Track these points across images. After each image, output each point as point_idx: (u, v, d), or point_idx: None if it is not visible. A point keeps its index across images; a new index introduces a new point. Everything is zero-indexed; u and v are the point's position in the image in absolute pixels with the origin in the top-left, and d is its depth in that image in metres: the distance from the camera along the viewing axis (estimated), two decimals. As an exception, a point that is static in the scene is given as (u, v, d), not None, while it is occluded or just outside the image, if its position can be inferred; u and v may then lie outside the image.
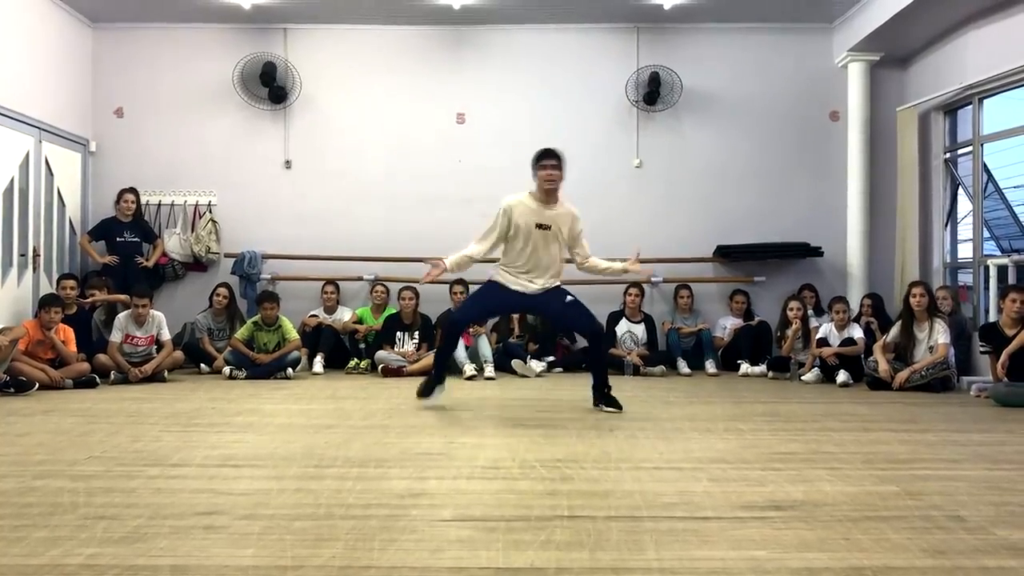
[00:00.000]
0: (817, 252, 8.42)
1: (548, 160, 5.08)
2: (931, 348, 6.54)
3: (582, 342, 8.21)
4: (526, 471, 3.49)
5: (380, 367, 7.42)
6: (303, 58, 8.60)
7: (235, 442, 4.16)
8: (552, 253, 5.21)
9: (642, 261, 8.27)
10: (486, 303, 5.52)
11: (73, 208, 8.36)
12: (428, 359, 7.46)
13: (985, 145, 7.59)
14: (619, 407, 5.24)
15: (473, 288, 7.95)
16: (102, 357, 6.85)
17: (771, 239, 8.48)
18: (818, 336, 7.18)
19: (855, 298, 7.98)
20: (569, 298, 5.31)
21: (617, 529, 2.65)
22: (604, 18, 8.55)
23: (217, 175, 8.66)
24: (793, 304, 7.52)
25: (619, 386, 6.71)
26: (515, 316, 8.22)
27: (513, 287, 5.22)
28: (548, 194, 5.14)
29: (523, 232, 5.13)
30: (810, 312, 7.71)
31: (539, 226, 5.12)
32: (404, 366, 7.39)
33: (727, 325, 8.18)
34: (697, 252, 8.57)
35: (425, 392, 5.34)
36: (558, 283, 5.32)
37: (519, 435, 4.37)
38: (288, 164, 8.69)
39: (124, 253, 7.99)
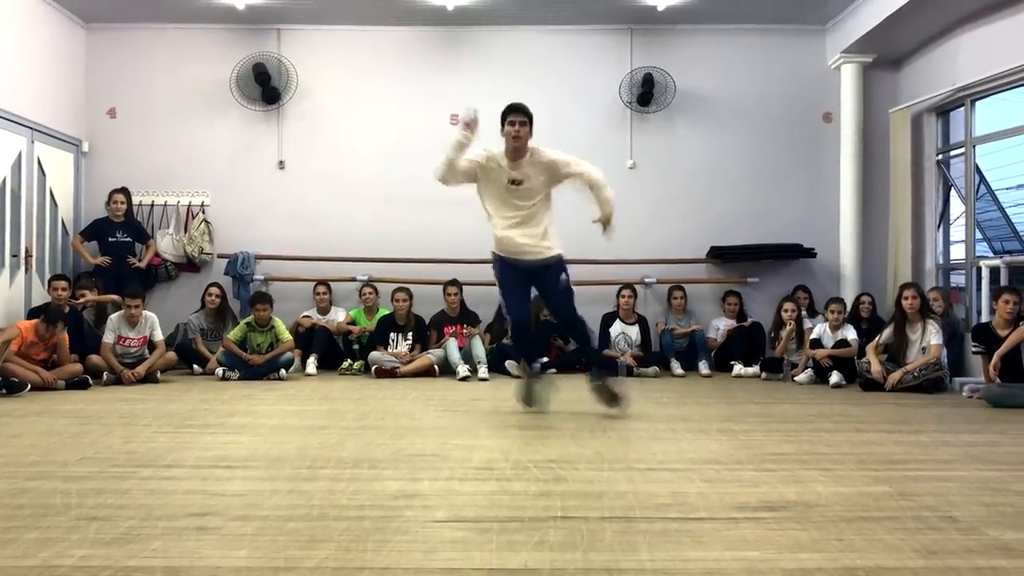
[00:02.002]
0: (810, 253, 8.44)
1: (515, 116, 4.96)
2: (924, 349, 6.56)
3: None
4: (519, 472, 3.49)
5: (373, 368, 7.41)
6: (297, 59, 8.59)
7: (228, 443, 4.15)
8: (533, 211, 5.00)
9: (636, 262, 8.43)
10: (507, 285, 5.19)
11: (66, 209, 8.33)
12: (421, 360, 7.47)
13: (977, 147, 7.62)
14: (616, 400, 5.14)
15: (467, 289, 7.98)
16: (94, 358, 6.83)
17: (764, 240, 8.50)
18: (812, 337, 7.20)
19: (848, 299, 7.99)
20: (563, 277, 5.10)
21: (611, 530, 2.65)
22: (598, 19, 8.55)
23: (210, 175, 8.64)
24: (788, 305, 7.54)
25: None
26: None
27: (504, 255, 5.08)
28: (517, 152, 5.00)
29: (495, 188, 5.00)
30: (803, 313, 7.72)
31: (512, 182, 4.97)
32: (397, 367, 7.38)
33: (720, 326, 8.19)
34: (690, 253, 8.59)
35: (527, 400, 5.16)
36: (557, 252, 5.08)
37: (512, 436, 4.37)
38: (282, 165, 8.68)
39: (116, 253, 7.96)
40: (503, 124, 5.02)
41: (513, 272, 5.10)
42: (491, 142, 8.59)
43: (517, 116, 4.96)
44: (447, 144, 5.05)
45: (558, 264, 5.09)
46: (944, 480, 3.39)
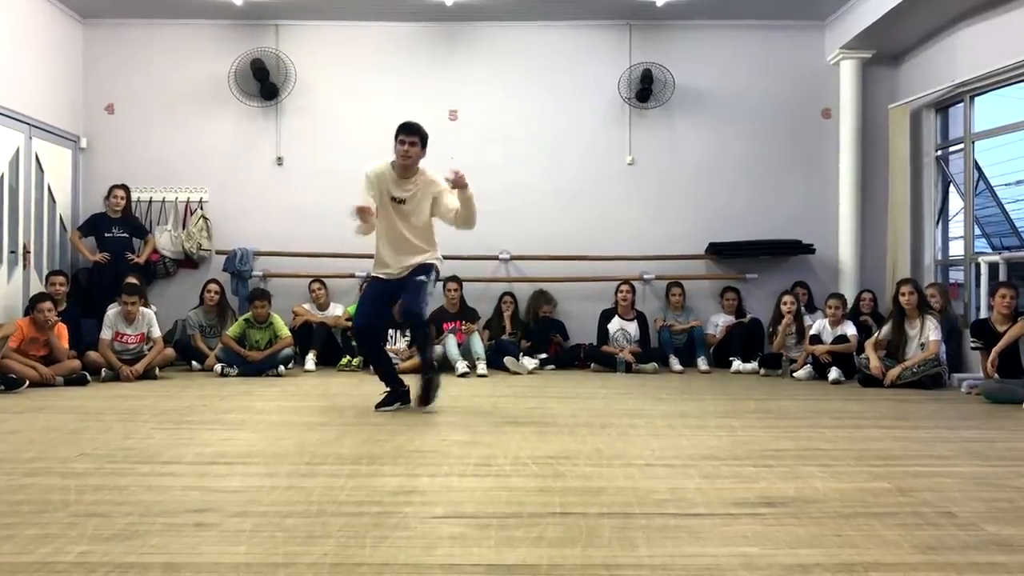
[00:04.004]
0: (809, 249, 8.44)
1: (406, 136, 5.00)
2: (922, 345, 6.56)
3: (575, 339, 8.27)
4: (518, 468, 3.49)
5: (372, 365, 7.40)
6: (295, 55, 8.57)
7: (227, 439, 4.15)
8: (413, 230, 5.06)
9: (634, 258, 8.44)
10: (369, 298, 5.24)
11: (64, 205, 8.32)
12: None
13: (976, 142, 7.61)
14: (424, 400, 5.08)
15: (467, 285, 7.98)
16: (93, 354, 6.83)
17: (763, 236, 8.50)
18: (812, 332, 7.20)
19: (847, 295, 7.98)
20: (420, 277, 5.05)
21: (609, 526, 2.65)
22: (597, 15, 8.54)
23: (209, 172, 8.62)
24: (786, 298, 7.54)
25: (612, 383, 6.74)
26: (507, 314, 8.23)
27: (377, 274, 5.13)
28: (405, 169, 5.04)
29: (380, 204, 5.00)
30: (802, 310, 7.72)
31: (394, 199, 5.01)
32: (396, 364, 7.35)
33: (719, 323, 8.19)
34: (689, 249, 8.58)
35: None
36: (421, 260, 5.09)
37: (511, 432, 4.37)
38: (280, 161, 8.66)
39: (113, 249, 7.95)
40: (395, 143, 5.04)
41: (377, 288, 5.16)
42: (483, 141, 8.64)
43: (409, 136, 5.01)
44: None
45: (419, 267, 5.09)
46: (943, 476, 3.39)
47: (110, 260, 7.87)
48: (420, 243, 5.09)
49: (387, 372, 5.30)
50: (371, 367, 5.53)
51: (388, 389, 5.22)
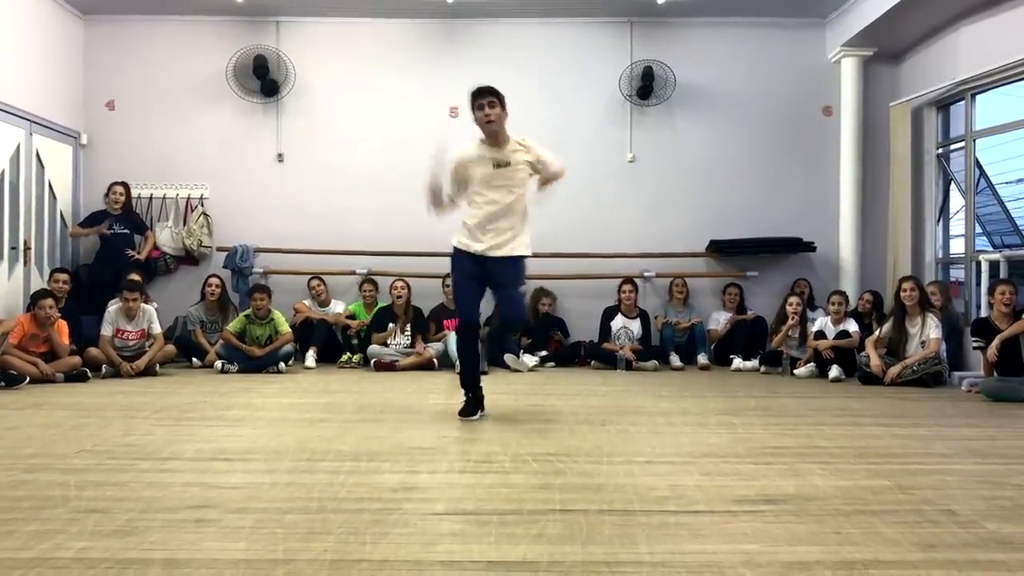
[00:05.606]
0: (810, 247, 8.43)
1: (481, 98, 4.50)
2: (923, 343, 6.56)
3: (575, 336, 8.27)
4: (518, 465, 3.49)
5: (372, 361, 7.40)
6: (295, 51, 8.57)
7: (227, 436, 4.15)
8: (506, 202, 4.57)
9: (635, 256, 8.43)
10: (462, 281, 4.80)
11: (64, 201, 8.32)
12: (423, 354, 7.45)
13: (977, 141, 7.60)
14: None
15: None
16: (93, 351, 6.82)
17: (764, 234, 8.50)
18: (814, 329, 7.20)
19: (848, 293, 7.98)
20: (520, 289, 4.77)
21: (609, 523, 2.65)
22: (598, 12, 8.54)
23: (209, 168, 8.62)
24: (792, 299, 7.54)
25: (612, 380, 6.74)
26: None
27: (463, 247, 4.66)
28: (494, 136, 4.58)
29: (480, 177, 4.57)
30: (806, 311, 7.69)
31: (498, 165, 4.56)
32: (396, 360, 7.37)
33: (720, 319, 8.19)
34: (690, 247, 8.58)
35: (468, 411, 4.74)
36: (518, 252, 4.68)
37: (511, 429, 4.37)
38: (280, 158, 8.66)
39: (114, 245, 7.95)
40: (473, 112, 4.57)
41: (464, 264, 4.71)
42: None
43: (482, 97, 4.50)
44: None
45: (513, 262, 4.71)
46: (943, 474, 3.39)
47: (110, 256, 7.86)
48: (511, 220, 4.63)
49: (476, 375, 4.89)
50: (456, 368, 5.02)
51: (470, 394, 4.81)
